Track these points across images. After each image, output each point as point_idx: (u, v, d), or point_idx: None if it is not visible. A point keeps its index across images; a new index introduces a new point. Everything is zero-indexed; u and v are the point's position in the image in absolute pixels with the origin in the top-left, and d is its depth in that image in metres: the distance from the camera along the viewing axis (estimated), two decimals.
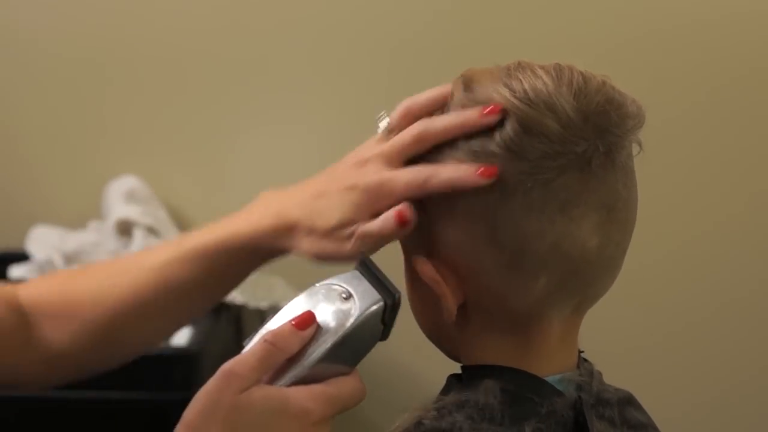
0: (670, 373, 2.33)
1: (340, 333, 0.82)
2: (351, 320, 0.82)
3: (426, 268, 0.85)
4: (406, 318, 0.93)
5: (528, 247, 0.82)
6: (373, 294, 0.83)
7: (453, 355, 0.91)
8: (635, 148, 0.86)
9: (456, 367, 0.91)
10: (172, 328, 1.13)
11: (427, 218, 0.87)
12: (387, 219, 0.89)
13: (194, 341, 1.94)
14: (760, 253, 2.28)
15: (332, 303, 0.83)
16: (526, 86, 0.83)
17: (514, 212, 0.82)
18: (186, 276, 1.07)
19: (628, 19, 2.20)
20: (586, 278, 0.85)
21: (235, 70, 2.22)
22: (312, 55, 2.19)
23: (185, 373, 1.74)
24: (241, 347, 0.83)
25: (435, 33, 2.17)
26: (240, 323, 2.09)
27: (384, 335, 0.85)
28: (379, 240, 0.91)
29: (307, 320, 0.82)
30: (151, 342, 1.14)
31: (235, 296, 2.01)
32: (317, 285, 0.85)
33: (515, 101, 0.82)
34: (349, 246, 0.94)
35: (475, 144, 0.84)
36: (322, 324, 0.82)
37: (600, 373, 0.92)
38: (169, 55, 2.23)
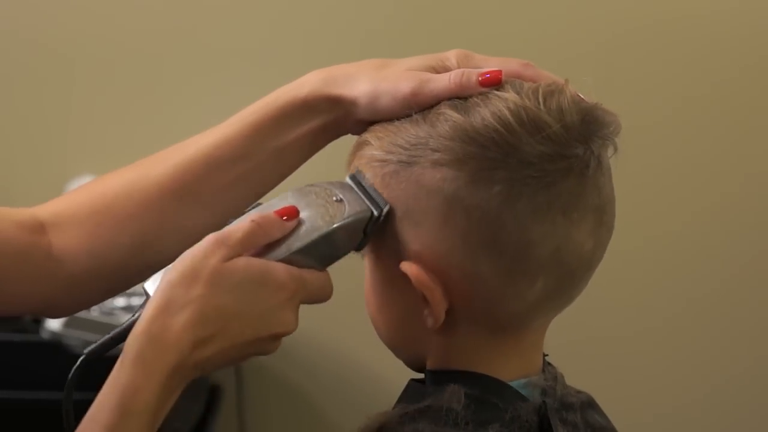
0: (637, 374, 2.35)
1: (325, 229, 0.86)
2: (339, 221, 0.86)
3: (419, 273, 0.84)
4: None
5: (530, 252, 0.83)
6: (363, 203, 0.86)
7: (415, 363, 0.91)
8: (610, 151, 0.86)
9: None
10: (221, 218, 0.98)
11: (411, 224, 0.86)
12: (456, 75, 0.87)
13: None
14: (731, 254, 2.31)
15: (323, 202, 0.87)
16: (527, 87, 0.84)
17: (518, 216, 0.82)
18: (238, 151, 0.96)
19: (612, 18, 2.22)
20: (575, 281, 0.86)
21: (195, 70, 2.22)
22: (277, 55, 2.19)
23: None
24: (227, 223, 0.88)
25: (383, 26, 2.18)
26: None
27: (360, 246, 0.88)
28: (439, 96, 0.87)
29: (291, 213, 0.86)
30: (195, 237, 0.96)
31: None
32: (309, 185, 0.89)
33: (517, 98, 0.83)
34: (408, 84, 0.89)
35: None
36: (307, 219, 0.87)
37: (563, 376, 0.92)
38: (130, 56, 2.22)
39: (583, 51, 2.21)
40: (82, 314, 1.94)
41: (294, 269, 0.85)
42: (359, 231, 0.87)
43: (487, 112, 0.83)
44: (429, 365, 0.89)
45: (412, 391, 0.88)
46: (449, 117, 0.84)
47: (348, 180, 0.88)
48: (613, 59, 2.23)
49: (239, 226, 0.85)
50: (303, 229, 0.86)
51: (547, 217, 0.82)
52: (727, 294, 2.32)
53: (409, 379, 0.91)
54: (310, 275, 0.86)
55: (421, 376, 0.90)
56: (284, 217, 0.86)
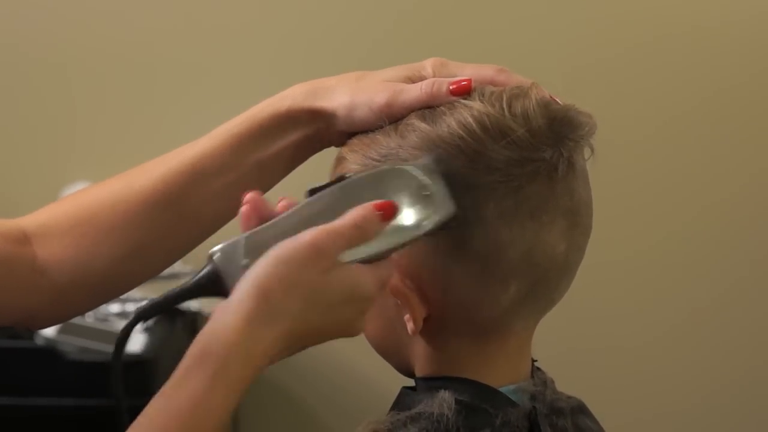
0: (629, 380, 2.35)
1: (414, 235, 0.82)
2: (425, 228, 0.82)
3: (394, 282, 0.85)
4: None
5: (500, 256, 0.84)
6: (449, 205, 0.83)
7: (405, 369, 0.91)
8: (587, 153, 0.87)
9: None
10: (205, 230, 0.99)
11: None
12: (427, 85, 0.88)
13: (149, 348, 1.94)
14: (726, 262, 2.31)
15: (413, 197, 0.83)
16: (489, 93, 0.85)
17: (486, 222, 0.83)
18: (221, 164, 0.96)
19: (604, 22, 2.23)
20: (551, 284, 0.87)
21: (193, 79, 2.22)
22: (274, 66, 2.19)
23: (140, 379, 1.73)
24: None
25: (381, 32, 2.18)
26: (195, 330, 2.08)
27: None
28: (412, 106, 0.88)
29: (392, 214, 0.82)
30: (179, 249, 1.00)
31: (190, 303, 2.01)
32: (404, 166, 0.84)
33: (481, 105, 0.84)
34: (383, 95, 0.89)
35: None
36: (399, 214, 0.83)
37: (553, 382, 0.93)
38: (127, 64, 2.22)
39: (577, 55, 2.22)
40: (77, 320, 1.94)
41: (381, 278, 0.83)
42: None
43: (453, 120, 0.84)
44: (417, 372, 0.90)
45: (403, 398, 0.89)
46: (416, 127, 0.85)
47: (436, 159, 0.84)
48: (607, 63, 2.24)
49: (342, 230, 0.81)
50: (392, 226, 0.82)
51: (515, 220, 0.83)
52: (721, 301, 2.33)
53: (402, 384, 0.91)
54: (386, 272, 0.83)
55: (414, 382, 0.91)
56: (385, 220, 0.82)
